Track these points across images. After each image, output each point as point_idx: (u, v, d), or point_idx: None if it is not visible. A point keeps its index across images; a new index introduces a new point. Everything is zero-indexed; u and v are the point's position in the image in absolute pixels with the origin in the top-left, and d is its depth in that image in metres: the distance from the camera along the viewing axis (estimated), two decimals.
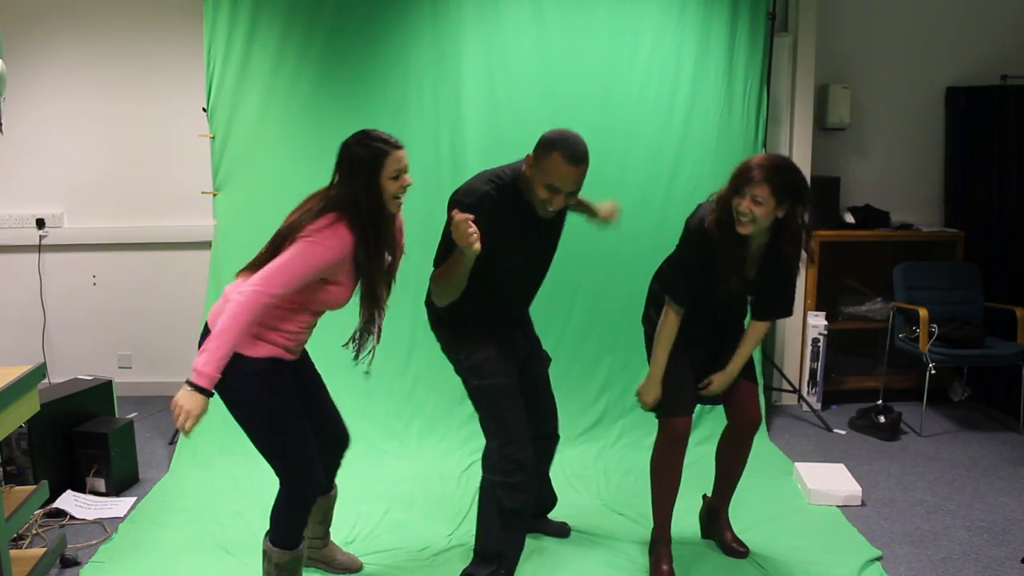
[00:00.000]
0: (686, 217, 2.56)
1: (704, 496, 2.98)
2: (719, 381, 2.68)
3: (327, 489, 2.61)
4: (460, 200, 2.33)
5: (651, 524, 2.85)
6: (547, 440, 2.83)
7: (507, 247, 2.39)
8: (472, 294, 2.40)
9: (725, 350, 2.70)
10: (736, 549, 2.85)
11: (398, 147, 2.20)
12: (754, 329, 2.69)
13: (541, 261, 2.60)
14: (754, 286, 2.60)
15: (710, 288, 2.55)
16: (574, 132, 2.33)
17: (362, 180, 2.16)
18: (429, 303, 2.61)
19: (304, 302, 2.23)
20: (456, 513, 3.17)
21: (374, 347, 2.38)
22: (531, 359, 2.72)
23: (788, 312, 2.71)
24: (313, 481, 2.33)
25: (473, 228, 2.15)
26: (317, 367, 2.54)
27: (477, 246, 2.16)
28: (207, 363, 2.06)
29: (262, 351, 2.20)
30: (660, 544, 2.76)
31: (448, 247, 2.34)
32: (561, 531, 3.01)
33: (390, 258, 2.31)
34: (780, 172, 2.36)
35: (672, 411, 2.66)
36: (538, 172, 2.29)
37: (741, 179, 2.38)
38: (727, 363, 2.68)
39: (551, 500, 3.02)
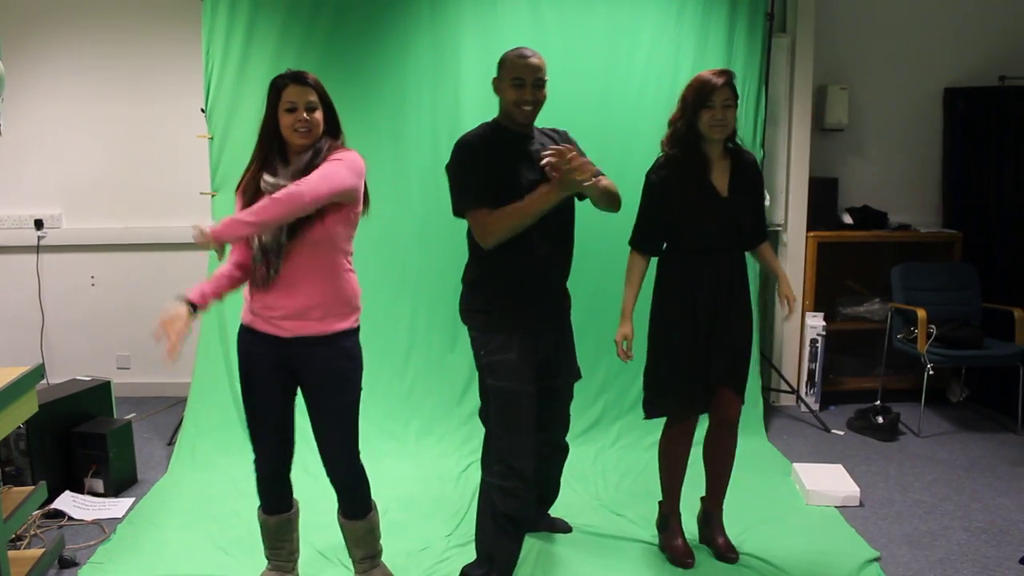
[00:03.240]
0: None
1: (701, 498, 2.98)
2: (787, 291, 2.75)
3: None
4: (466, 141, 2.45)
5: (650, 526, 2.98)
6: (554, 448, 2.83)
7: (506, 176, 2.39)
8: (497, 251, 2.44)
9: (728, 334, 2.67)
10: (727, 555, 2.82)
11: (299, 81, 2.24)
12: (762, 253, 2.79)
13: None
14: (733, 211, 2.62)
15: (694, 223, 2.60)
16: None
17: (268, 112, 2.27)
18: (465, 279, 2.58)
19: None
20: (455, 513, 3.17)
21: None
22: (556, 368, 2.67)
23: (765, 234, 2.80)
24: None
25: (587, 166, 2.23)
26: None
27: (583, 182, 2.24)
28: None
29: (243, 317, 2.37)
30: (671, 519, 2.86)
31: (479, 191, 2.37)
32: (561, 527, 3.02)
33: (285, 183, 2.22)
34: (728, 72, 2.55)
35: (659, 412, 2.75)
36: (503, 81, 2.45)
37: (703, 92, 2.51)
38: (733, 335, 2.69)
39: (554, 494, 3.01)
